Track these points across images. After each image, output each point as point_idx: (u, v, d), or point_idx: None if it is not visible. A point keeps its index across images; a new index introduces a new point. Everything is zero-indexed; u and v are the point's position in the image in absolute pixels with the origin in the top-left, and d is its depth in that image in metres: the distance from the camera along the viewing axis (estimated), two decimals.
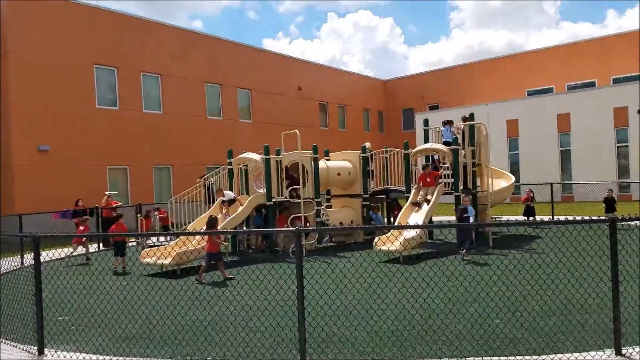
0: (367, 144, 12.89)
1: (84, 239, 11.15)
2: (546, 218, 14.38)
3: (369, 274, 6.95)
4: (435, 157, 11.81)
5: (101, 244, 13.92)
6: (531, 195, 13.65)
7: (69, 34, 18.90)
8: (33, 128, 17.74)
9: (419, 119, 28.59)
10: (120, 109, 20.67)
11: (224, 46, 25.07)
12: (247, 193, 12.76)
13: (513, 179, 12.80)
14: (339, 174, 12.64)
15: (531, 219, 13.54)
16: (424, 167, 11.19)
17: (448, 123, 11.65)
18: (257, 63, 26.51)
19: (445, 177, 11.24)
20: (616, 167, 21.41)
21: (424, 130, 12.22)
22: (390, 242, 8.82)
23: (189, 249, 9.69)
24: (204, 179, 13.56)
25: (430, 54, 66.96)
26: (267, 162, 11.66)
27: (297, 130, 11.60)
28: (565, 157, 22.85)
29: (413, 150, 11.39)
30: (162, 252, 9.79)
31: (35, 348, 5.02)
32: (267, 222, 12.21)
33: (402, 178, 12.46)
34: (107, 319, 6.19)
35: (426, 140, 12.12)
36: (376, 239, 9.71)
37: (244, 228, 12.47)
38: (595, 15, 65.58)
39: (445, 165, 11.19)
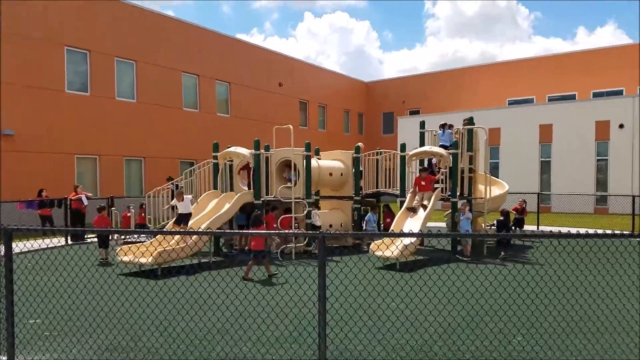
0: (361, 144, 12.42)
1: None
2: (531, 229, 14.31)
3: (377, 282, 6.44)
4: (433, 161, 11.44)
5: (69, 238, 12.75)
6: (523, 205, 12.94)
7: (40, 10, 17.51)
8: None
9: (401, 123, 28.46)
10: (91, 95, 19.37)
11: (203, 35, 24.04)
12: (232, 190, 12.06)
13: (506, 186, 12.59)
14: (330, 174, 12.09)
15: (519, 230, 12.56)
16: (421, 171, 10.81)
17: (446, 126, 11.32)
18: (238, 55, 25.61)
19: (441, 182, 10.88)
20: (594, 180, 21.84)
21: (420, 132, 11.83)
22: (387, 248, 8.35)
23: (170, 247, 8.92)
24: (172, 182, 12.66)
25: (405, 61, 67.57)
26: (257, 157, 10.96)
27: (290, 125, 10.97)
28: (545, 168, 23.20)
29: (410, 153, 10.95)
30: (140, 250, 8.95)
31: (4, 358, 4.31)
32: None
33: (394, 181, 12.08)
34: (87, 322, 5.42)
35: (422, 144, 11.74)
36: (372, 244, 9.23)
37: (227, 227, 11.77)
38: (566, 32, 68.11)
39: (443, 170, 10.81)
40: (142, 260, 8.65)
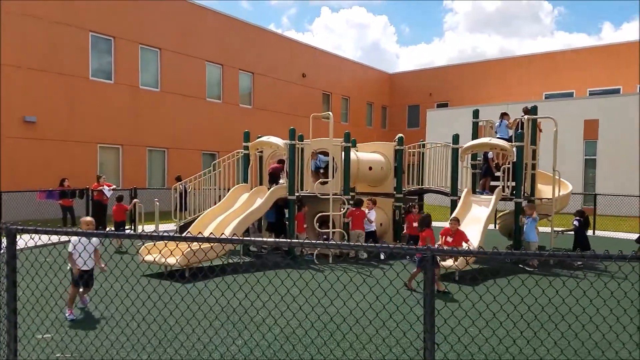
0: (401, 136, 11.36)
1: None
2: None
3: (450, 296, 5.40)
4: (489, 154, 10.22)
5: None
6: None
7: None
8: (20, 96, 15.76)
9: (430, 116, 27.18)
10: (115, 83, 18.71)
11: (228, 23, 23.18)
12: (261, 183, 11.15)
13: (570, 186, 11.27)
14: (370, 168, 11.05)
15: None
16: (452, 220, 7.66)
17: (505, 116, 10.12)
18: (261, 45, 24.67)
19: (499, 180, 9.68)
20: None
21: (473, 122, 10.64)
22: (452, 260, 7.29)
23: (197, 246, 8.05)
24: (181, 184, 11.78)
25: (422, 55, 65.79)
26: (291, 147, 9.99)
27: (330, 113, 9.98)
28: (589, 166, 21.62)
29: (465, 145, 9.76)
30: (166, 249, 8.08)
31: None
32: (284, 217, 10.61)
33: (440, 178, 10.99)
34: (109, 339, 4.49)
35: (475, 136, 10.55)
36: None
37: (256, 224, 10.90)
38: (590, 28, 65.21)
39: (507, 166, 9.50)
40: (170, 260, 7.80)
